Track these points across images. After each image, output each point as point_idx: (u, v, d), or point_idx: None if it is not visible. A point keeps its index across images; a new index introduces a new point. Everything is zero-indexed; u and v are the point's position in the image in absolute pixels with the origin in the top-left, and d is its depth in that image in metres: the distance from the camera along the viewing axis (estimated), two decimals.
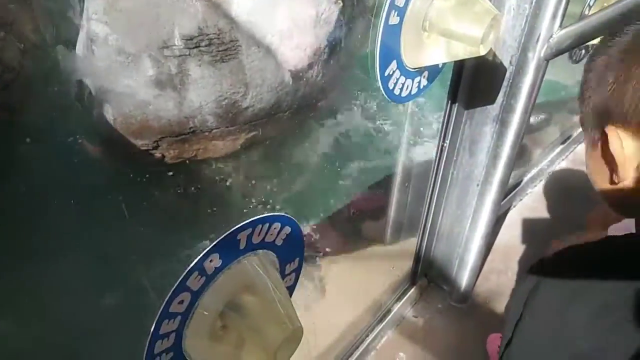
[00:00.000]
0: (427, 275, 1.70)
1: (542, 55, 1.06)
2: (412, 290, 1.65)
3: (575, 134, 2.63)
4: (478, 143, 1.29)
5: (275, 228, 0.74)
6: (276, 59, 3.66)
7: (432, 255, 1.62)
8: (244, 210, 3.45)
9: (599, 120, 0.63)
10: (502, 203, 1.80)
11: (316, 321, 1.59)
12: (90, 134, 3.26)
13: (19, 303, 2.47)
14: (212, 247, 0.64)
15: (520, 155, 1.29)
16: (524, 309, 0.63)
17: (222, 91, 3.50)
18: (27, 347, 2.31)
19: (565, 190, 2.28)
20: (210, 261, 0.64)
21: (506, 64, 1.13)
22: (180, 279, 0.62)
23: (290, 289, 0.87)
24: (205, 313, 0.66)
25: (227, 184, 3.73)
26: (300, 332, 0.67)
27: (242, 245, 0.69)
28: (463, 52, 0.92)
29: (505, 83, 1.16)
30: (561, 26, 1.02)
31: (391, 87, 0.95)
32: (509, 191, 2.12)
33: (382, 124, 4.14)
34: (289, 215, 0.76)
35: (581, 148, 2.62)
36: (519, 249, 1.93)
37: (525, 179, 2.24)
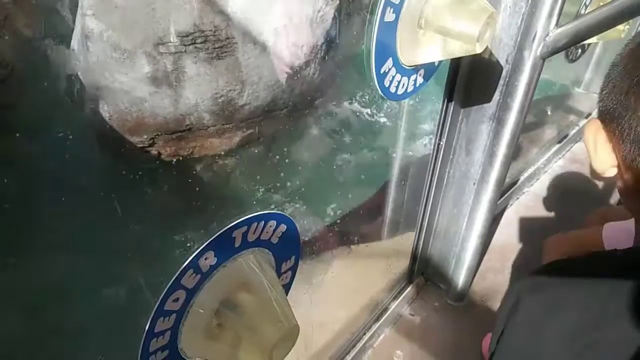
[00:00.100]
0: (424, 273, 1.70)
1: (538, 53, 1.06)
2: (409, 288, 1.65)
3: (571, 133, 2.64)
4: (474, 142, 1.29)
5: (270, 226, 0.74)
6: (272, 57, 3.65)
7: (429, 254, 1.63)
8: (240, 208, 3.44)
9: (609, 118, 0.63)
10: (499, 202, 1.81)
11: (313, 319, 1.59)
12: (81, 129, 3.24)
13: (10, 300, 2.45)
14: (207, 245, 0.63)
15: (517, 154, 1.29)
16: (505, 324, 0.64)
17: (218, 88, 3.49)
18: (20, 345, 2.30)
19: (562, 189, 2.29)
20: (206, 259, 0.64)
21: (502, 62, 1.13)
22: (175, 277, 0.61)
23: (287, 287, 0.86)
24: (200, 311, 0.66)
25: (223, 181, 3.72)
26: (296, 331, 0.67)
27: (237, 243, 0.69)
28: (459, 50, 0.92)
29: (501, 81, 1.16)
30: (557, 25, 1.02)
31: (387, 85, 0.94)
32: (506, 190, 2.12)
33: (378, 122, 4.14)
34: (284, 214, 0.75)
35: (578, 147, 2.63)
36: (516, 247, 1.93)
37: (522, 178, 2.25)
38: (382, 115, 4.13)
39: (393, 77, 0.94)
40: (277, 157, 3.90)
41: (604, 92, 0.62)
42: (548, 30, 1.02)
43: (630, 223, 1.10)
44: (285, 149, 3.94)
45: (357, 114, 4.23)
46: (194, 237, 3.08)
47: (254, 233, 0.71)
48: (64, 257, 2.62)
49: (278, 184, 3.70)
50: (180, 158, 3.61)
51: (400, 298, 1.61)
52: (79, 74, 3.24)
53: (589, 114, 2.87)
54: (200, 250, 0.63)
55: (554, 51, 1.05)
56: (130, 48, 3.20)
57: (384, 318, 1.54)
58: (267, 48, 3.59)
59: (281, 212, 0.75)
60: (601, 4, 1.26)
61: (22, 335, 2.33)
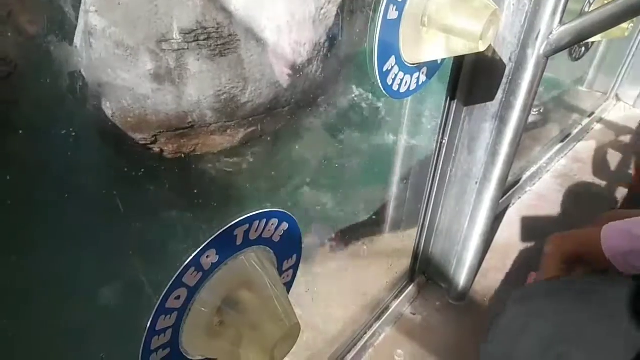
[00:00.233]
0: (426, 272, 1.70)
1: (541, 52, 1.06)
2: (410, 287, 1.64)
3: (574, 132, 2.63)
4: (477, 140, 1.28)
5: (272, 224, 0.74)
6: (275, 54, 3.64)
7: (430, 253, 1.62)
8: (242, 206, 3.44)
9: None
10: (501, 201, 1.80)
11: (314, 318, 1.59)
12: (84, 126, 3.25)
13: (10, 297, 2.46)
14: (208, 243, 0.63)
15: (519, 153, 1.29)
16: (488, 330, 0.65)
17: (220, 86, 3.49)
18: (18, 343, 2.31)
19: (565, 188, 2.28)
20: (207, 257, 0.64)
21: (505, 60, 1.13)
22: (176, 275, 0.61)
23: (288, 286, 0.86)
24: (202, 309, 0.66)
25: (225, 179, 3.72)
26: (297, 329, 0.67)
27: (239, 241, 0.69)
28: (462, 48, 0.92)
29: (504, 80, 1.15)
30: (561, 23, 1.02)
31: (390, 83, 0.94)
32: (508, 189, 2.12)
33: (380, 120, 4.13)
34: (286, 212, 0.75)
35: (580, 146, 2.62)
36: (518, 247, 1.93)
37: (524, 177, 2.24)
38: (385, 113, 4.13)
39: (396, 75, 0.94)
40: (279, 154, 3.90)
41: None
42: (552, 28, 1.02)
43: (631, 224, 1.09)
44: (287, 147, 3.94)
45: (360, 111, 4.23)
46: (195, 235, 3.08)
47: (255, 231, 0.71)
48: (66, 253, 2.62)
49: (280, 182, 3.70)
50: (183, 155, 3.62)
51: (402, 297, 1.61)
52: (82, 70, 3.24)
53: (592, 113, 2.86)
54: (202, 248, 0.63)
55: (558, 49, 1.04)
56: (133, 45, 3.20)
57: (384, 317, 1.53)
58: (270, 46, 3.59)
59: (283, 210, 0.75)
60: (605, 1, 1.26)
61: (21, 332, 2.34)
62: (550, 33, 1.03)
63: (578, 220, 2.08)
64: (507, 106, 1.17)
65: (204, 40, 3.33)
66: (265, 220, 0.72)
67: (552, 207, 2.16)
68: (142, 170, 3.29)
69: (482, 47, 0.89)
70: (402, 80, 0.96)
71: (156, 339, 0.64)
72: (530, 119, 1.37)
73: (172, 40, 3.26)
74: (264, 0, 3.45)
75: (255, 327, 0.66)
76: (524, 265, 1.83)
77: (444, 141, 1.34)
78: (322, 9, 3.71)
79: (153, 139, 3.49)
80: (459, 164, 1.37)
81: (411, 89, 1.01)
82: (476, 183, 1.34)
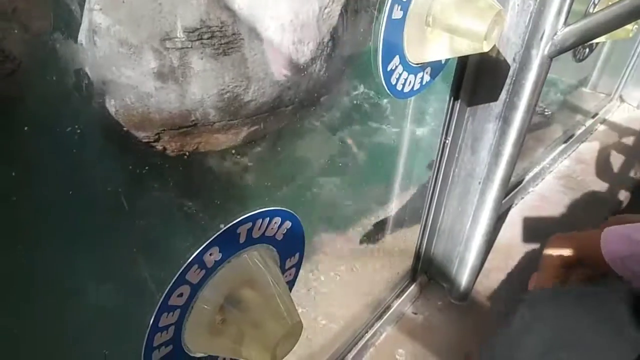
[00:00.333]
0: (427, 272, 1.70)
1: (546, 52, 1.06)
2: (412, 287, 1.65)
3: (577, 133, 2.63)
4: (480, 140, 1.28)
5: (275, 222, 0.74)
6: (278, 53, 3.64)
7: (432, 253, 1.62)
8: (245, 204, 3.44)
9: None
10: (504, 201, 1.80)
11: (315, 317, 1.59)
12: (89, 124, 3.25)
13: (14, 295, 2.47)
14: (212, 241, 0.63)
15: (522, 154, 1.29)
16: (497, 333, 0.66)
17: (224, 84, 3.49)
18: (19, 339, 2.31)
19: (567, 189, 2.28)
20: (210, 254, 0.64)
21: (510, 61, 1.13)
22: (179, 272, 0.62)
23: (290, 284, 0.87)
24: (205, 307, 0.66)
25: (228, 177, 3.72)
26: (299, 328, 0.67)
27: (242, 239, 0.69)
28: (466, 48, 0.92)
29: (508, 80, 1.15)
30: (566, 23, 1.02)
31: (393, 83, 0.94)
32: (510, 190, 2.12)
33: (384, 120, 4.13)
34: (289, 210, 0.76)
35: (584, 147, 2.62)
36: (520, 247, 1.93)
37: (527, 177, 2.24)
38: (388, 112, 4.12)
39: (400, 75, 0.94)
40: (283, 153, 3.90)
41: None
42: (556, 29, 1.02)
43: (632, 229, 1.09)
44: (290, 146, 3.94)
45: (363, 111, 4.23)
46: (199, 232, 3.09)
47: (259, 229, 0.71)
48: (67, 250, 2.63)
49: (283, 180, 3.70)
50: (186, 153, 3.62)
51: (403, 296, 1.61)
52: (86, 68, 3.25)
53: (596, 114, 2.86)
54: (206, 246, 0.63)
55: (562, 50, 1.04)
56: (137, 43, 3.20)
57: (386, 316, 1.54)
58: (274, 44, 3.59)
59: (286, 209, 0.75)
60: (610, 2, 1.26)
61: (23, 328, 2.34)
62: (555, 34, 1.02)
63: (580, 222, 2.08)
64: (510, 107, 1.17)
65: (208, 39, 3.33)
66: (268, 218, 0.72)
67: (554, 208, 2.16)
68: (146, 168, 3.30)
69: (486, 48, 0.89)
70: (406, 80, 0.96)
71: (159, 336, 0.64)
72: (535, 120, 1.37)
73: (176, 39, 3.26)
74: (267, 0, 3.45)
75: (257, 325, 0.66)
76: (526, 266, 1.83)
77: (447, 141, 1.34)
78: (326, 8, 3.70)
79: (156, 137, 3.50)
80: (462, 164, 1.37)
81: (415, 88, 1.01)
82: (479, 183, 1.34)
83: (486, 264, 1.79)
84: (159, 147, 3.59)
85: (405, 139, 1.62)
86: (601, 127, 2.84)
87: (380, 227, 2.08)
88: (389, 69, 0.90)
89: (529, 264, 1.83)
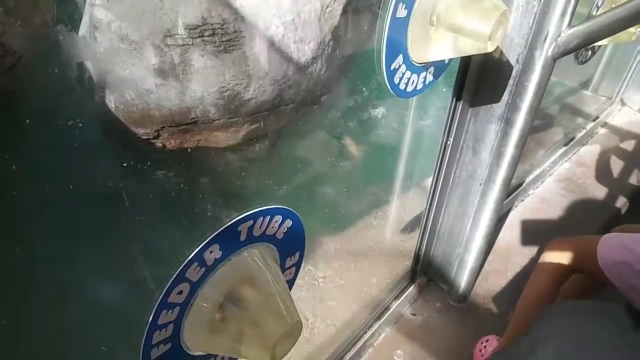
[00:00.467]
0: (427, 273, 1.69)
1: (549, 54, 1.05)
2: (411, 288, 1.64)
3: (578, 136, 2.62)
4: (482, 141, 1.28)
5: (276, 221, 0.73)
6: (280, 52, 3.64)
7: (432, 254, 1.62)
8: (246, 202, 3.44)
9: None
10: (504, 203, 1.80)
11: (315, 316, 1.59)
12: (93, 117, 3.25)
13: (14, 292, 2.46)
14: (212, 238, 0.63)
15: (523, 156, 1.28)
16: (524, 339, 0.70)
17: (224, 82, 3.48)
18: (21, 336, 2.31)
19: (568, 192, 2.28)
20: (210, 252, 0.63)
21: (513, 62, 1.12)
22: (179, 270, 0.61)
23: (290, 283, 0.86)
24: (204, 304, 0.66)
25: (229, 175, 3.72)
26: (299, 327, 0.66)
27: (242, 237, 0.68)
28: (470, 48, 0.91)
29: (511, 81, 1.15)
30: (570, 25, 1.01)
31: (396, 82, 0.94)
32: (511, 192, 2.11)
33: (386, 120, 4.12)
34: (290, 209, 0.75)
35: (584, 150, 2.62)
36: (519, 250, 1.92)
37: (528, 179, 2.24)
38: (390, 112, 4.12)
39: (403, 74, 0.93)
40: (283, 152, 3.89)
41: None
42: (560, 31, 1.01)
43: (629, 238, 1.09)
44: (291, 144, 3.93)
45: (364, 110, 4.22)
46: (198, 229, 3.08)
47: (259, 228, 0.70)
48: (69, 245, 2.62)
49: (284, 179, 3.70)
50: (186, 151, 3.61)
51: (402, 298, 1.60)
52: (86, 63, 3.24)
53: (597, 117, 2.86)
54: (206, 243, 0.62)
55: (566, 52, 1.03)
56: (137, 39, 3.19)
57: (385, 317, 1.53)
58: (275, 43, 3.58)
59: (287, 208, 0.74)
60: (613, 5, 1.25)
61: (25, 324, 2.34)
62: (559, 35, 1.02)
63: (580, 225, 2.08)
64: (513, 108, 1.16)
65: (209, 36, 3.32)
66: (269, 217, 0.71)
67: (554, 210, 2.15)
68: (147, 164, 3.30)
69: (490, 48, 0.89)
70: (409, 79, 0.96)
71: (157, 334, 0.63)
72: (536, 122, 1.36)
73: (177, 36, 3.25)
74: None
75: (256, 324, 0.65)
76: (525, 268, 1.83)
77: (448, 142, 1.33)
78: (327, 7, 3.70)
79: (156, 134, 3.49)
80: (464, 165, 1.36)
81: (418, 88, 1.00)
82: (480, 184, 1.33)
83: (485, 266, 1.79)
84: (158, 143, 3.58)
85: (406, 139, 1.61)
86: (602, 131, 2.84)
87: (380, 227, 2.07)
88: (392, 67, 0.90)
89: (528, 266, 1.83)
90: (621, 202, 2.22)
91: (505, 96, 1.17)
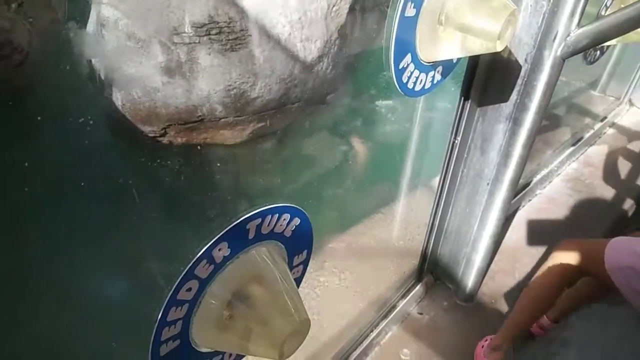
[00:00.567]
0: (434, 272, 1.69)
1: (558, 54, 1.05)
2: (418, 287, 1.64)
3: (586, 136, 2.61)
4: (490, 141, 1.27)
5: (284, 219, 0.73)
6: (286, 50, 3.64)
7: (439, 253, 1.62)
8: (254, 200, 3.44)
9: None
10: (512, 203, 1.79)
11: (321, 314, 1.59)
12: (101, 115, 3.26)
13: (25, 288, 2.47)
14: (221, 236, 0.63)
15: (530, 156, 1.28)
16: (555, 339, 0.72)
17: (231, 80, 3.49)
18: (33, 333, 2.32)
19: (575, 192, 2.27)
20: (219, 250, 0.64)
21: (521, 61, 1.12)
22: (188, 267, 0.61)
23: (298, 281, 0.86)
24: (212, 302, 0.66)
25: (236, 173, 3.72)
26: (307, 325, 0.66)
27: (251, 235, 0.68)
28: (479, 47, 0.91)
29: (519, 81, 1.14)
30: (579, 25, 1.01)
31: (405, 81, 0.93)
32: (518, 191, 2.11)
33: (393, 118, 4.12)
34: (298, 207, 0.75)
35: (592, 150, 2.60)
36: (526, 250, 1.92)
37: (535, 179, 2.23)
38: (397, 111, 4.11)
39: (411, 73, 0.93)
40: (290, 150, 3.90)
41: None
42: (569, 30, 1.01)
43: (638, 243, 1.09)
44: (297, 143, 3.93)
45: (371, 109, 4.22)
46: (207, 227, 3.08)
47: (268, 225, 0.70)
48: (78, 242, 2.63)
49: (291, 178, 3.70)
50: (194, 148, 3.62)
51: (409, 296, 1.60)
52: (94, 61, 3.25)
53: (605, 117, 2.84)
54: (215, 241, 0.62)
55: (575, 52, 1.03)
56: (144, 37, 3.20)
57: (391, 316, 1.53)
58: (281, 41, 3.58)
59: (295, 206, 0.74)
60: (622, 5, 1.24)
61: (33, 320, 2.35)
62: (568, 35, 1.01)
63: (587, 225, 2.07)
64: (521, 108, 1.16)
65: (216, 34, 3.33)
66: (277, 215, 0.71)
67: (561, 210, 2.14)
68: (157, 161, 3.31)
69: (499, 47, 0.89)
70: (417, 78, 0.95)
71: (167, 330, 0.64)
72: (544, 121, 1.36)
73: (184, 34, 3.26)
74: None
75: (265, 321, 0.66)
76: (532, 268, 1.82)
77: (456, 141, 1.33)
78: (334, 6, 3.69)
79: (162, 131, 3.50)
80: (471, 164, 1.36)
81: (426, 87, 1.00)
82: (488, 184, 1.33)
83: (492, 266, 1.78)
84: (165, 141, 3.60)
85: (414, 138, 1.61)
86: (610, 131, 2.83)
87: (387, 226, 2.07)
88: (400, 66, 0.90)
89: (535, 266, 1.82)
90: (629, 203, 2.21)
91: (514, 96, 1.17)
